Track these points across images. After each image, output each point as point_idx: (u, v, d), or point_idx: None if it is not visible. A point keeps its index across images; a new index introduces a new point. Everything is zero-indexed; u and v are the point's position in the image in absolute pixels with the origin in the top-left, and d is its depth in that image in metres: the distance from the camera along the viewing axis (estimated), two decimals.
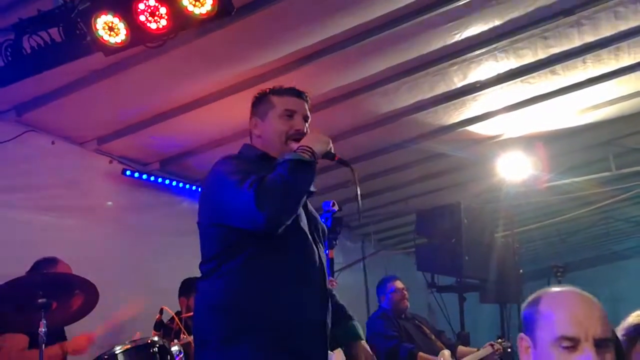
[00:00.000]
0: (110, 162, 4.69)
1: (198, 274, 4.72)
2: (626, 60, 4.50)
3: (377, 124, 4.89)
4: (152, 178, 4.97)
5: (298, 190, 1.91)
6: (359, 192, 2.18)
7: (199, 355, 1.98)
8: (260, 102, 2.24)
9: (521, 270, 5.91)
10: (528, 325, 1.60)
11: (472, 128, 5.27)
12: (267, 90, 2.26)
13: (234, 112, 4.27)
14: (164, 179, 5.10)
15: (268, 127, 2.19)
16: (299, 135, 2.14)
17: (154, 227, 5.09)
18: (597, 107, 5.30)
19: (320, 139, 2.06)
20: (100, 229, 4.58)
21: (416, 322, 4.69)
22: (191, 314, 3.98)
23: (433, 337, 4.71)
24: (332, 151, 2.08)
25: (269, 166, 2.05)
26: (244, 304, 1.92)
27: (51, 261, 3.36)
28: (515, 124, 5.36)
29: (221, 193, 1.94)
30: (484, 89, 4.58)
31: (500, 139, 5.60)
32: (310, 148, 2.00)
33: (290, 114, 2.17)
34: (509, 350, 5.17)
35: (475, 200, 6.44)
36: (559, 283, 6.11)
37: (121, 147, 4.64)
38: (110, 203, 4.76)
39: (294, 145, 2.10)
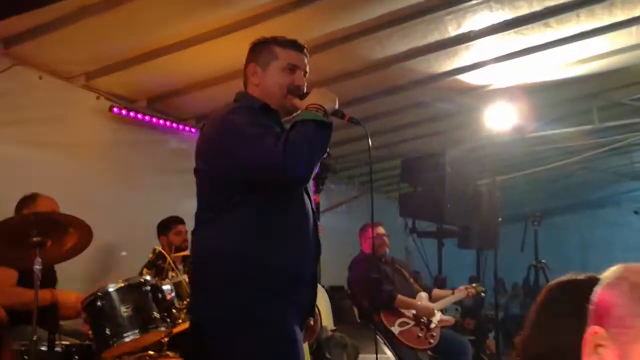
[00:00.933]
0: (98, 98, 4.63)
1: (183, 212, 4.81)
2: (619, 16, 4.49)
3: (368, 70, 4.87)
4: (139, 116, 4.94)
5: (321, 150, 1.95)
6: (370, 153, 2.26)
7: (199, 298, 2.03)
8: (261, 51, 2.21)
9: (500, 219, 6.07)
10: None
11: (462, 77, 5.27)
12: (270, 39, 2.22)
13: (225, 54, 4.21)
14: (150, 117, 5.07)
15: (269, 79, 2.16)
16: (299, 91, 2.15)
17: (139, 165, 5.10)
18: (585, 61, 5.33)
19: (329, 97, 2.07)
20: (85, 165, 4.58)
21: (396, 265, 4.84)
22: (182, 253, 4.10)
23: (411, 280, 4.88)
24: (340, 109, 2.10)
25: (271, 118, 2.07)
26: (247, 252, 1.96)
27: (31, 198, 3.37)
28: (504, 75, 5.38)
29: (238, 144, 1.94)
30: (477, 39, 4.56)
31: (489, 89, 5.63)
32: (322, 107, 2.01)
33: (292, 68, 2.16)
34: (483, 294, 5.39)
35: (460, 148, 6.52)
36: (535, 231, 6.32)
37: (109, 83, 4.58)
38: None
39: (295, 101, 2.12)
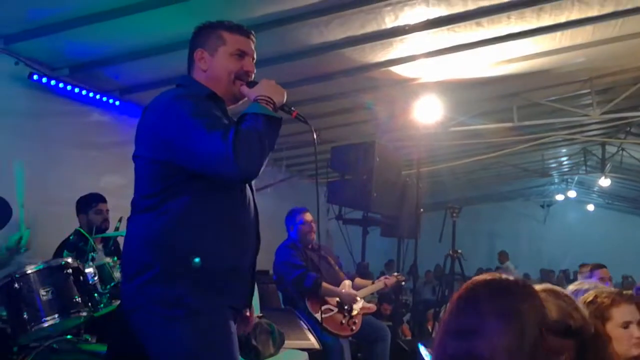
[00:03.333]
0: (17, 63, 4.32)
1: (104, 188, 4.59)
2: (546, 21, 4.70)
3: (304, 55, 4.84)
4: (61, 85, 4.66)
5: (270, 145, 1.91)
6: (316, 152, 2.34)
7: (129, 286, 1.96)
8: (208, 35, 2.13)
9: (422, 210, 6.24)
10: None
11: (394, 69, 5.35)
12: (216, 24, 2.14)
13: (156, 27, 4.08)
14: (73, 86, 4.80)
15: (217, 64, 2.10)
16: (247, 77, 2.10)
17: (58, 137, 4.84)
18: (510, 61, 5.55)
19: (279, 90, 2.03)
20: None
21: (322, 253, 4.87)
22: (105, 235, 3.93)
23: (336, 267, 4.93)
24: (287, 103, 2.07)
25: (218, 107, 2.01)
26: (185, 242, 1.91)
27: None
28: (433, 69, 5.51)
29: (185, 134, 1.87)
30: (411, 32, 4.63)
31: (418, 82, 5.75)
32: (271, 100, 1.97)
33: (241, 54, 2.11)
34: (403, 284, 5.54)
35: (389, 138, 6.64)
36: (454, 222, 6.56)
37: (30, 48, 4.29)
38: None
39: (244, 88, 2.07)
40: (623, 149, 10.35)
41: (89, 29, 3.99)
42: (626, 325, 2.15)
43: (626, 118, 7.22)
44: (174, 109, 1.93)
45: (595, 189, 14.24)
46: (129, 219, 2.05)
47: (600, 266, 4.95)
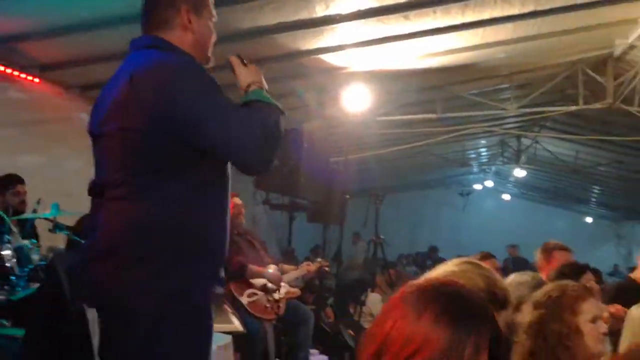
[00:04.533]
0: None
1: (17, 167, 4.40)
2: (470, 17, 4.90)
3: (235, 38, 4.79)
4: None
5: (281, 130, 1.80)
6: None
7: (120, 274, 1.69)
8: None
9: (347, 196, 6.37)
10: None
11: (324, 57, 5.41)
12: None
13: (82, 2, 3.93)
14: None
15: (204, 29, 1.87)
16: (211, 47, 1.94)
17: None
18: (435, 54, 5.74)
19: (260, 75, 1.91)
20: None
21: (248, 237, 4.88)
22: (22, 216, 3.77)
23: (262, 252, 4.97)
24: None
25: None
26: (188, 229, 1.73)
27: None
28: (362, 59, 5.62)
29: (209, 115, 1.68)
30: (342, 22, 4.69)
31: (347, 71, 5.84)
32: (260, 85, 1.86)
33: (212, 23, 1.93)
34: (326, 269, 5.65)
35: (317, 125, 6.70)
36: (377, 208, 6.74)
37: None
38: None
39: (241, 69, 1.92)
40: (537, 142, 10.93)
41: (7, 2, 3.80)
42: (594, 320, 2.09)
43: (541, 112, 7.63)
44: (185, 81, 1.70)
45: (511, 179, 14.96)
46: (104, 201, 1.76)
47: (489, 256, 5.07)
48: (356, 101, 6.26)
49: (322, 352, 5.54)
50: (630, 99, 6.29)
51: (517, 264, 10.48)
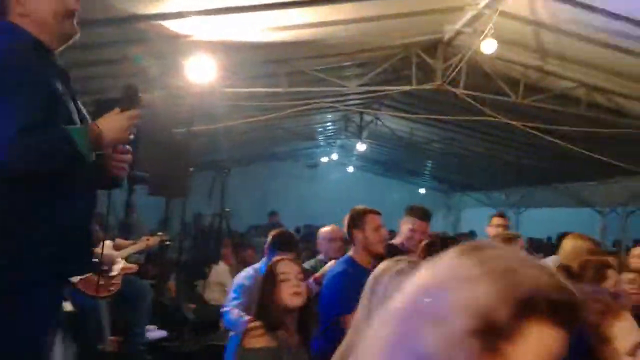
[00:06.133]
0: None
1: None
2: None
3: None
4: None
5: (49, 167, 1.78)
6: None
7: None
8: None
9: (191, 168, 6.26)
10: None
11: (164, 23, 5.20)
12: None
13: None
14: None
15: (39, 6, 1.87)
16: (72, 15, 1.93)
17: None
18: (279, 28, 5.78)
19: (121, 135, 1.95)
20: None
21: None
22: None
23: (97, 227, 4.73)
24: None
25: (45, 64, 1.83)
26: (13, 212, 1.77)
27: None
28: (205, 28, 5.49)
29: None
30: None
31: (190, 39, 5.67)
32: (102, 140, 1.87)
33: None
34: (167, 243, 5.54)
35: (157, 95, 6.47)
36: (224, 181, 6.72)
37: None
38: None
39: (70, 26, 1.92)
40: (378, 118, 11.52)
41: None
42: None
43: (379, 91, 8.03)
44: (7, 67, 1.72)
45: (355, 152, 15.64)
46: None
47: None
48: (201, 71, 6.11)
49: (160, 328, 5.46)
50: (457, 81, 6.84)
51: None
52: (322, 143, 16.92)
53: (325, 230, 4.74)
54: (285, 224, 16.72)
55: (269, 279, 2.67)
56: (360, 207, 3.62)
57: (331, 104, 8.82)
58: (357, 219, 3.49)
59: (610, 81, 6.29)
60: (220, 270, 6.99)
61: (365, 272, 2.16)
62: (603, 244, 11.38)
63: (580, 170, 10.10)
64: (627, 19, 4.75)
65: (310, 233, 15.18)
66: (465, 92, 6.81)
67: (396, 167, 17.73)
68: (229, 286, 4.55)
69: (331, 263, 3.81)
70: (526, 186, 13.54)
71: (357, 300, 1.87)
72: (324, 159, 17.92)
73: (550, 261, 4.21)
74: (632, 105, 6.65)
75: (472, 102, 6.93)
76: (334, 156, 17.43)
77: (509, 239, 3.78)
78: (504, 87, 6.72)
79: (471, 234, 17.53)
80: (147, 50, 5.66)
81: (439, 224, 17.15)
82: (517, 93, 6.77)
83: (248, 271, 4.02)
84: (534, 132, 7.43)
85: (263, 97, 7.83)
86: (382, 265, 1.89)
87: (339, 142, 16.26)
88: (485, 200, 15.87)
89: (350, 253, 3.55)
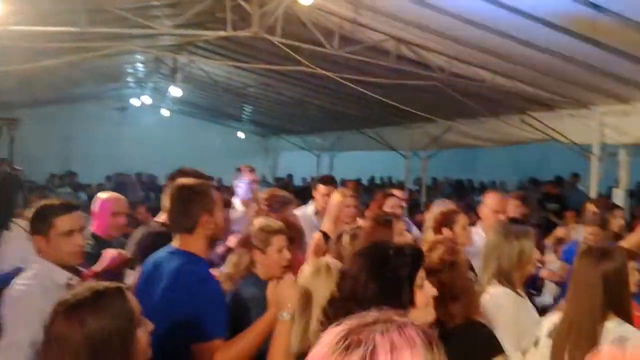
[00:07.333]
0: None
1: None
2: None
3: None
4: None
5: None
6: None
7: None
8: None
9: None
10: None
11: None
12: None
13: None
14: None
15: None
16: None
17: None
18: None
19: None
20: None
21: None
22: None
23: None
24: None
25: None
26: None
27: None
28: None
29: None
30: None
31: None
32: None
33: None
34: None
35: None
36: (11, 136, 5.89)
37: None
38: None
39: None
40: (193, 61, 10.95)
41: None
42: None
43: (192, 36, 7.56)
44: None
45: (169, 96, 14.88)
46: None
47: None
48: None
49: None
50: (274, 29, 6.62)
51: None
52: (132, 85, 15.82)
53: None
54: (95, 172, 15.59)
55: None
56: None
57: (140, 48, 8.12)
58: None
59: (415, 35, 6.57)
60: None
61: None
62: (407, 182, 12.52)
63: (387, 117, 10.70)
64: None
65: (121, 183, 14.31)
66: (282, 40, 6.65)
67: (215, 111, 17.28)
68: None
69: None
70: (339, 130, 14.04)
71: None
72: (135, 102, 16.79)
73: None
74: (434, 59, 7.06)
75: (289, 51, 6.82)
76: (146, 99, 16.40)
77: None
78: (319, 37, 6.69)
79: (289, 177, 18.00)
80: None
81: (258, 168, 17.23)
82: (332, 44, 6.80)
83: None
84: (346, 82, 7.58)
85: (61, 37, 6.92)
86: None
87: (151, 84, 15.29)
88: (302, 143, 16.22)
89: None
